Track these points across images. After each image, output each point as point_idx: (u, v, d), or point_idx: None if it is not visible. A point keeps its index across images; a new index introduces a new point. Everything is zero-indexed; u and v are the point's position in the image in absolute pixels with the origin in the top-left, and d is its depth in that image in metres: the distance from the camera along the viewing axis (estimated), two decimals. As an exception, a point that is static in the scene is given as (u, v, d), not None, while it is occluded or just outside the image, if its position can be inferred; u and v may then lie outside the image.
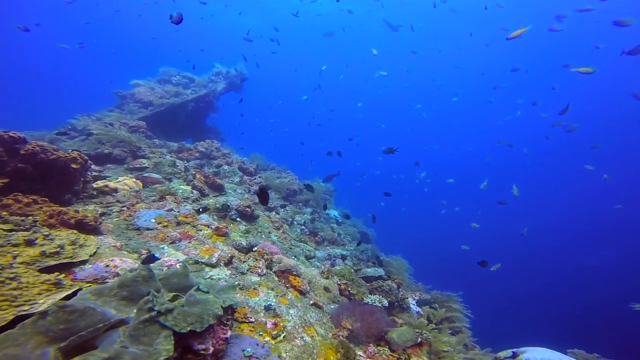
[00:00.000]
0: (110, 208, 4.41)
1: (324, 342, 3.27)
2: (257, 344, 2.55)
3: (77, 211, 3.50)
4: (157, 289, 2.15)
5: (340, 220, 10.24)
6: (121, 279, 2.12)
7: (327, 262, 5.76)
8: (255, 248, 4.38)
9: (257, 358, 2.39)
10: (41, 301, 2.00)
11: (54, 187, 4.32)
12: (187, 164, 7.13)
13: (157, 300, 1.86)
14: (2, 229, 2.64)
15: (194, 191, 5.82)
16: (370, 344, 3.60)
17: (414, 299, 5.14)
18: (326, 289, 4.40)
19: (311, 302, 3.91)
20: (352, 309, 3.80)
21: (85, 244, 3.07)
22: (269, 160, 11.60)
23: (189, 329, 1.82)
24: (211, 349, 1.96)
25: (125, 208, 4.50)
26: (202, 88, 12.21)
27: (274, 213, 6.77)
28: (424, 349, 3.86)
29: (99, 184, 5.16)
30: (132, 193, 5.10)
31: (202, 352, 1.93)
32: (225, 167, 7.93)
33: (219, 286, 2.46)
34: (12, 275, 1.99)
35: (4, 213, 3.05)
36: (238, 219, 5.32)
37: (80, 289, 2.34)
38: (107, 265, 2.94)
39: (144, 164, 6.66)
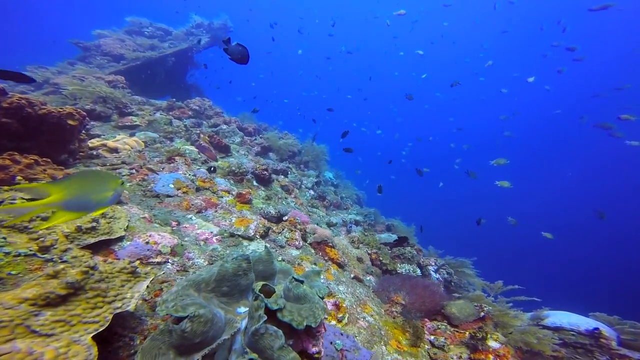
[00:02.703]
0: (118, 171, 3.88)
1: (387, 321, 3.20)
2: (342, 334, 2.40)
3: None
4: (253, 281, 1.89)
5: (336, 183, 10.14)
6: (220, 273, 1.81)
7: (342, 228, 5.67)
8: (286, 217, 4.12)
9: (347, 351, 2.25)
10: (128, 295, 1.66)
11: (45, 145, 3.69)
12: (185, 123, 6.46)
13: (269, 300, 1.62)
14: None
15: (201, 153, 5.30)
16: (425, 320, 3.49)
17: (433, 266, 5.24)
18: (359, 259, 4.31)
19: (352, 275, 3.78)
20: (400, 282, 3.69)
21: (115, 216, 2.65)
22: (259, 121, 10.95)
23: (305, 323, 1.60)
24: (322, 351, 1.77)
25: (134, 171, 3.99)
26: (182, 42, 10.92)
27: (282, 176, 6.44)
28: (489, 324, 3.64)
29: (95, 142, 4.52)
30: (136, 153, 4.52)
31: (316, 356, 1.74)
32: (224, 126, 7.31)
33: (305, 273, 2.23)
34: (89, 264, 1.62)
35: (19, 177, 2.52)
36: (255, 183, 4.97)
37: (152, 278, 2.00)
38: (147, 242, 2.58)
39: (135, 121, 5.94)
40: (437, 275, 5.02)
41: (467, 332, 3.42)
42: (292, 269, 2.34)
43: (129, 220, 2.71)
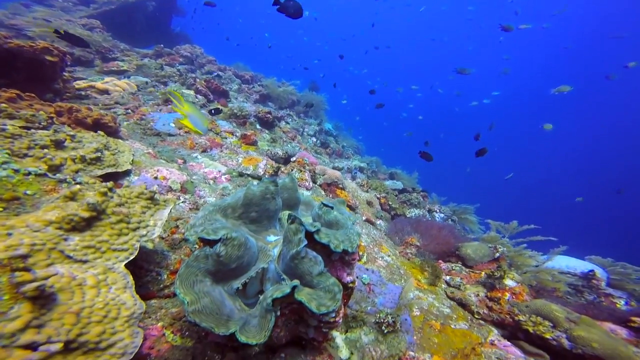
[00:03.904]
0: (112, 110, 3.58)
1: (404, 262, 3.19)
2: (367, 269, 2.35)
3: (89, 108, 2.72)
4: (280, 208, 1.75)
5: (335, 134, 9.90)
6: (247, 196, 1.64)
7: (347, 175, 5.56)
8: (294, 158, 3.95)
9: (374, 285, 2.22)
10: (151, 223, 1.51)
11: (26, 83, 3.34)
12: (178, 68, 5.97)
13: (306, 222, 1.49)
14: (14, 125, 1.92)
15: (199, 96, 4.95)
16: (440, 261, 3.47)
17: (438, 212, 5.24)
18: (369, 203, 4.23)
19: (364, 218, 3.70)
20: (414, 225, 3.63)
21: (119, 150, 2.44)
22: (255, 71, 10.29)
23: (341, 247, 1.49)
24: (356, 280, 1.69)
25: (130, 111, 3.69)
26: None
27: (283, 123, 6.16)
28: (503, 264, 3.60)
29: (81, 84, 4.13)
30: (129, 95, 4.17)
31: (350, 285, 1.66)
32: (219, 73, 6.82)
33: (332, 201, 2.11)
34: (107, 185, 1.45)
35: (4, 105, 2.24)
36: (258, 126, 4.72)
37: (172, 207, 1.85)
38: (156, 177, 2.41)
39: (122, 66, 5.46)
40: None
41: (483, 272, 3.45)
42: (314, 200, 2.22)
43: (133, 155, 2.51)
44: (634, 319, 3.08)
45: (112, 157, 2.21)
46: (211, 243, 1.51)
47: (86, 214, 1.30)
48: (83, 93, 3.79)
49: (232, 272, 1.53)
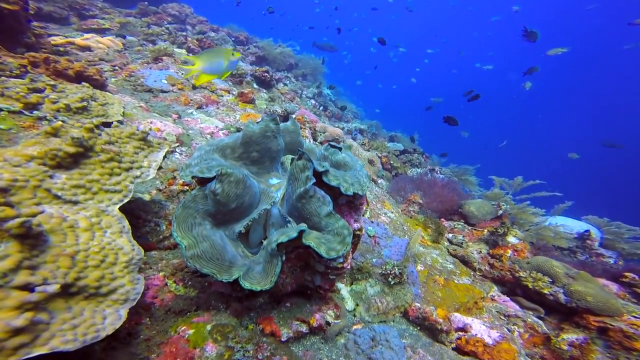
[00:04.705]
0: (97, 66, 3.36)
1: (407, 219, 3.14)
2: (372, 222, 2.29)
3: (70, 60, 2.52)
4: (283, 149, 1.63)
5: (334, 99, 9.61)
6: (246, 134, 1.52)
7: (347, 136, 5.42)
8: (293, 115, 3.80)
9: (379, 237, 2.16)
10: (145, 164, 1.41)
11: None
12: (167, 26, 5.60)
13: (314, 162, 1.37)
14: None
15: (191, 55, 4.68)
16: (442, 219, 3.42)
17: (438, 174, 5.17)
18: (370, 161, 4.13)
19: None
20: (417, 183, 3.54)
21: (108, 102, 2.28)
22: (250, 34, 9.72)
23: (351, 190, 1.40)
24: (363, 228, 1.61)
25: (117, 68, 3.47)
26: None
27: (281, 85, 5.91)
28: (506, 222, 3.53)
29: (58, 40, 3.84)
30: (115, 53, 3.91)
31: (357, 232, 1.58)
32: (211, 33, 6.43)
33: (339, 144, 1.99)
34: (93, 121, 1.33)
35: None
36: (255, 85, 4.50)
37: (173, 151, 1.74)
38: (150, 129, 2.28)
39: (104, 24, 5.10)
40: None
41: (485, 230, 3.43)
42: (316, 148, 2.11)
43: (124, 107, 2.35)
44: (626, 274, 3.15)
45: (100, 108, 2.06)
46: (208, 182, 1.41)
47: (72, 149, 1.19)
48: (61, 49, 3.53)
49: (233, 214, 1.45)
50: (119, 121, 2.15)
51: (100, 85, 2.61)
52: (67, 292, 1.10)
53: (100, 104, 2.12)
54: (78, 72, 2.43)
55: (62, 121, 1.51)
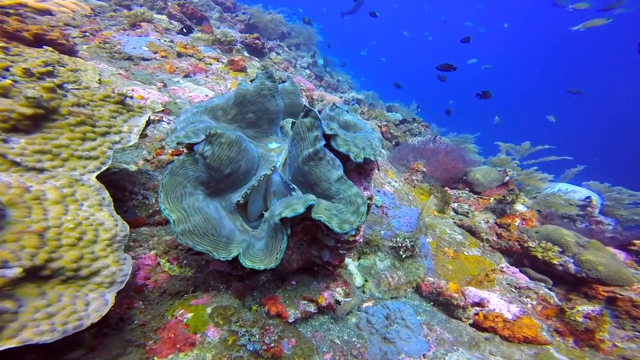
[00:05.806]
0: (65, 32, 3.03)
1: (411, 187, 2.98)
2: (378, 191, 2.12)
3: (21, 20, 2.22)
4: (282, 110, 1.43)
5: (329, 70, 9.24)
6: (239, 92, 1.31)
7: (345, 106, 5.18)
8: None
9: (387, 208, 2.00)
10: (125, 129, 1.20)
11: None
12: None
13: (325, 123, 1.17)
14: None
15: (173, 22, 4.31)
16: (446, 188, 3.29)
17: (439, 142, 4.98)
18: (370, 129, 3.93)
19: None
20: (420, 150, 3.37)
21: (79, 68, 2.03)
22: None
23: (362, 155, 1.20)
24: (372, 197, 1.44)
25: (88, 34, 3.14)
26: None
27: (274, 54, 5.56)
28: (515, 189, 3.42)
29: (4, 0, 3.41)
30: (83, 18, 3.54)
31: (367, 201, 1.40)
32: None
33: (345, 106, 1.80)
34: (51, 84, 1.12)
35: None
36: (246, 53, 4.19)
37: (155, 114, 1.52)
38: (132, 97, 2.04)
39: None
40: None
41: (492, 198, 3.29)
42: (318, 112, 1.91)
43: (99, 75, 2.10)
44: (635, 241, 3.08)
45: (70, 74, 1.81)
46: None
47: (28, 110, 0.99)
48: (11, 11, 3.13)
49: (228, 182, 1.26)
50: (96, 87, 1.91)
51: (68, 51, 2.32)
52: (38, 275, 0.93)
53: (70, 69, 1.87)
54: (37, 35, 2.15)
55: (13, 80, 1.28)
